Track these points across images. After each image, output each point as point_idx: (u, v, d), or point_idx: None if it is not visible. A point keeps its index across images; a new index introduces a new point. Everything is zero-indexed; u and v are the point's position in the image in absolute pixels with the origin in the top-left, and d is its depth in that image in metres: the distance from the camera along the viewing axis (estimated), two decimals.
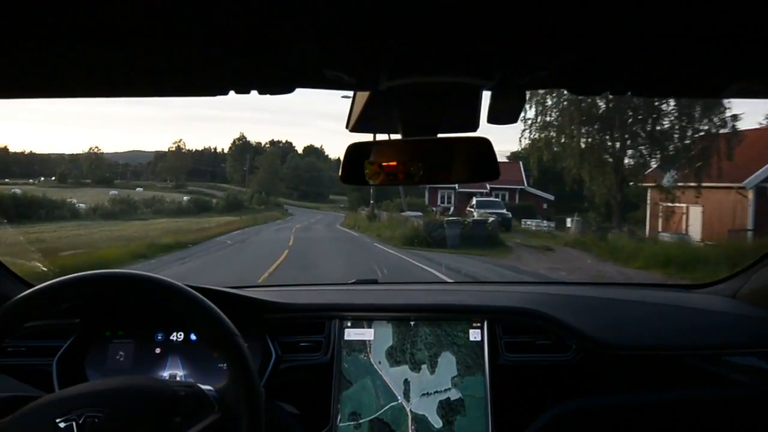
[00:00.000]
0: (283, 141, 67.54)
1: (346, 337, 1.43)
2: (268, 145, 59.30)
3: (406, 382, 1.39)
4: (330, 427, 1.35)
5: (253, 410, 0.92)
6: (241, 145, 62.28)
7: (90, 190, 36.82)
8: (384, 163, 0.98)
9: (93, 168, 48.96)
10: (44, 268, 3.97)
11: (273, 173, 51.84)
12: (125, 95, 0.96)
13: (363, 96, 1.01)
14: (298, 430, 1.35)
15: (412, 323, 1.43)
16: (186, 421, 0.91)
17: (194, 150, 66.92)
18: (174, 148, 55.71)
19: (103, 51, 0.77)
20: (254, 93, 0.90)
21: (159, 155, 60.16)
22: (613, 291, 1.73)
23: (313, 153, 64.40)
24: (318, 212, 42.64)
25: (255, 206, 40.51)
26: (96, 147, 62.87)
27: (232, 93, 0.90)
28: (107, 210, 26.81)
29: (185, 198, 37.26)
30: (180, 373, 1.39)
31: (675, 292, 1.81)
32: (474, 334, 1.42)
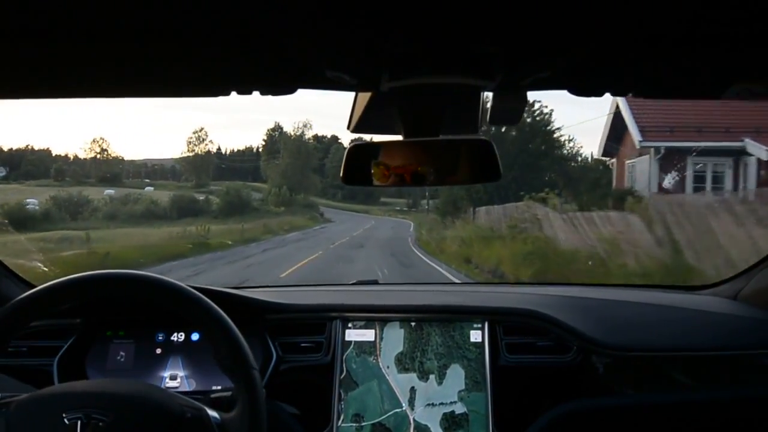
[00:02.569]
0: (328, 136, 56.22)
1: (347, 338, 1.43)
2: (310, 140, 44.87)
3: (413, 390, 1.39)
4: (330, 428, 1.35)
5: None
6: (276, 137, 48.25)
7: (75, 189, 27.96)
8: (392, 164, 0.97)
9: (97, 165, 42.10)
10: None
11: (302, 161, 36.10)
12: (126, 95, 0.95)
13: (364, 97, 1.01)
14: (298, 431, 1.35)
15: (413, 324, 1.43)
16: None
17: (235, 150, 60.80)
18: (194, 140, 44.81)
19: (105, 51, 0.77)
20: (256, 93, 0.90)
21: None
22: (614, 292, 1.72)
23: None
24: (368, 217, 32.03)
25: (272, 208, 29.62)
26: (101, 139, 54.95)
27: (256, 93, 0.91)
28: (20, 214, 18.73)
29: (170, 196, 28.06)
30: (180, 374, 1.39)
31: (676, 293, 1.79)
32: (475, 335, 1.42)
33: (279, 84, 0.89)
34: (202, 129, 54.76)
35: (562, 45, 0.76)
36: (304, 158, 36.53)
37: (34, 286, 0.97)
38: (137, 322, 1.41)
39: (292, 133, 38.53)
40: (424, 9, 0.65)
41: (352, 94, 1.01)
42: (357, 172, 0.99)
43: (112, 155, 45.28)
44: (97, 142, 44.85)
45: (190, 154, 44.16)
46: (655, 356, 1.41)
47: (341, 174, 0.99)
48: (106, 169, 42.27)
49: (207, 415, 0.94)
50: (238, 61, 0.79)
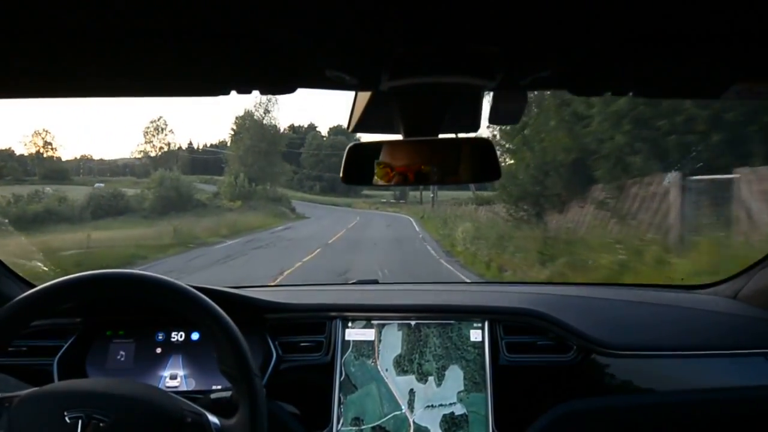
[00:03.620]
0: (305, 126, 51.79)
1: (347, 337, 1.43)
2: (286, 130, 40.25)
3: (412, 392, 1.39)
4: (330, 429, 1.35)
5: None
6: (246, 127, 45.90)
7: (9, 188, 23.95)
8: (395, 164, 0.98)
9: (39, 162, 37.41)
10: None
11: (266, 143, 28.10)
12: (126, 95, 0.95)
13: (364, 96, 1.02)
14: (298, 430, 1.35)
15: (413, 323, 1.43)
16: None
17: (209, 144, 56.40)
18: (151, 130, 39.28)
19: (104, 51, 0.77)
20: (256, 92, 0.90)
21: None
22: (614, 291, 1.73)
23: (342, 132, 42.92)
24: (351, 212, 27.52)
25: (224, 202, 24.08)
26: (44, 131, 47.17)
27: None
28: None
29: (92, 192, 23.14)
30: (180, 373, 1.39)
31: (676, 292, 1.80)
32: (475, 335, 1.42)
33: (279, 84, 0.89)
34: (160, 118, 48.27)
35: (562, 45, 0.77)
36: (269, 140, 28.35)
37: (34, 286, 0.98)
38: (137, 321, 1.42)
39: (254, 110, 30.84)
40: (424, 8, 0.65)
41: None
42: (357, 171, 0.99)
43: (58, 149, 40.97)
44: (40, 134, 39.57)
45: (148, 146, 38.74)
46: (655, 356, 1.41)
47: (341, 173, 0.98)
48: (50, 165, 37.64)
49: (207, 420, 0.95)
50: (238, 60, 0.79)
